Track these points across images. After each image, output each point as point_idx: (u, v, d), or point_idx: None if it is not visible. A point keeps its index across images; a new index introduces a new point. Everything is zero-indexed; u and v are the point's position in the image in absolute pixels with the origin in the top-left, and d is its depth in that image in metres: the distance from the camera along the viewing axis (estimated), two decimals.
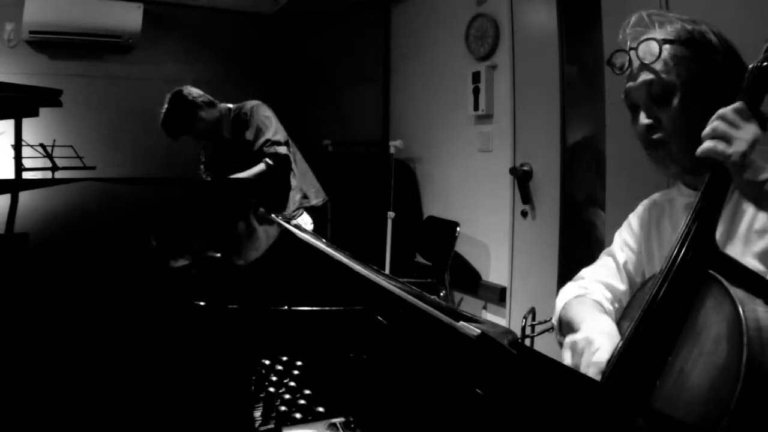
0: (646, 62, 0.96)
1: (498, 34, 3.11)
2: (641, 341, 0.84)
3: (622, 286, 1.12)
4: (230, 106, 2.80)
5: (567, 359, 0.92)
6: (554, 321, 1.16)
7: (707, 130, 0.82)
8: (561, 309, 1.12)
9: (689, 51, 0.95)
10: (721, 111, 0.82)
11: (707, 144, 0.81)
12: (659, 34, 0.97)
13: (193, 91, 2.69)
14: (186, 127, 2.66)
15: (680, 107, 0.94)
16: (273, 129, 2.70)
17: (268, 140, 2.67)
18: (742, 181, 0.80)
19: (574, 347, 0.92)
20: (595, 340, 0.90)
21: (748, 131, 0.80)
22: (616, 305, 1.10)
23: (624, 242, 1.15)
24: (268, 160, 2.66)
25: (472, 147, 3.35)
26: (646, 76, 0.96)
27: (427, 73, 3.75)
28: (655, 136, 0.97)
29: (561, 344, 1.09)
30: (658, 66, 0.95)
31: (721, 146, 0.80)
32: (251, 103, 2.75)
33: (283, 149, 2.69)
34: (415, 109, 3.90)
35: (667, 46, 0.95)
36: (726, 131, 0.80)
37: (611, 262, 1.15)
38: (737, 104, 0.81)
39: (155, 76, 4.12)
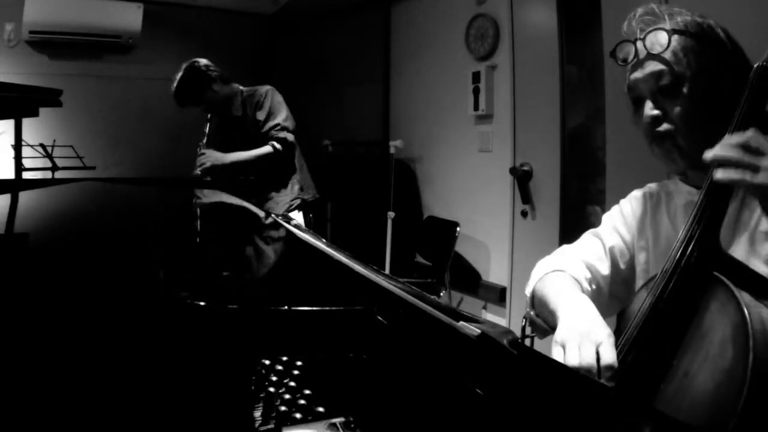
0: (654, 52, 0.94)
1: (498, 34, 3.11)
2: (645, 344, 0.83)
3: (605, 270, 1.09)
4: (242, 87, 2.84)
5: (557, 355, 0.83)
6: (527, 293, 1.11)
7: (725, 155, 0.75)
8: (536, 282, 1.08)
9: (699, 43, 0.94)
10: (737, 139, 0.76)
11: (730, 174, 0.75)
12: (669, 25, 0.95)
13: (208, 64, 2.74)
14: (195, 96, 2.69)
15: (689, 98, 0.92)
16: (284, 115, 2.73)
17: (278, 124, 2.70)
18: None
19: (568, 341, 0.83)
20: (590, 332, 0.83)
21: None
22: (594, 287, 1.07)
23: (614, 227, 1.12)
24: (275, 143, 2.67)
25: (472, 147, 3.35)
26: (654, 66, 0.94)
27: (427, 73, 3.75)
28: (661, 128, 0.95)
29: (532, 319, 1.07)
30: (667, 56, 0.93)
31: (748, 176, 0.74)
32: (266, 87, 2.79)
33: (291, 136, 2.71)
34: (415, 109, 3.90)
35: (676, 37, 0.94)
36: (751, 162, 0.74)
37: (598, 243, 1.12)
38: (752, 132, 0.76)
39: (155, 76, 4.11)
